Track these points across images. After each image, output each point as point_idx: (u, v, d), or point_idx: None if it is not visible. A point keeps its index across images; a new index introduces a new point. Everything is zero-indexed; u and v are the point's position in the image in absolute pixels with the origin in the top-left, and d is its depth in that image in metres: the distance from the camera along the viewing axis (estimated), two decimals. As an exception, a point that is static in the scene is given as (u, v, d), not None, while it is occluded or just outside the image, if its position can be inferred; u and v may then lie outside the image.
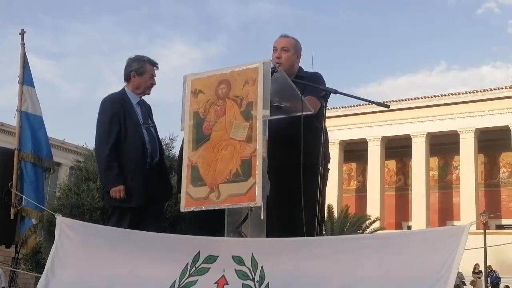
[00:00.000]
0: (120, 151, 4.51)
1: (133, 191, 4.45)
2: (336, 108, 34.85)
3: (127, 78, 4.78)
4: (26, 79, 5.41)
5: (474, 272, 24.95)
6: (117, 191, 4.41)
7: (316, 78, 4.13)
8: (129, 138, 4.54)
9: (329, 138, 4.12)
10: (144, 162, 4.56)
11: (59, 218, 3.94)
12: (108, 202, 4.64)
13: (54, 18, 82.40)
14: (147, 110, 4.80)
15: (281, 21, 78.09)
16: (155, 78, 4.82)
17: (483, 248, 22.73)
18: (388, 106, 4.19)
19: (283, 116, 3.68)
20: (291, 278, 3.08)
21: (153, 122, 4.80)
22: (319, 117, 3.84)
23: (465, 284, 23.93)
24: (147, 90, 4.79)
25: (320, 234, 3.77)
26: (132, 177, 4.48)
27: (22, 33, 5.49)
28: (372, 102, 4.04)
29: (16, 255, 5.65)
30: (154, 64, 4.81)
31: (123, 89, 4.78)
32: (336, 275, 3.01)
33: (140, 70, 4.71)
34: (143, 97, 4.80)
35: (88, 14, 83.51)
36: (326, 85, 4.04)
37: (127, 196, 4.42)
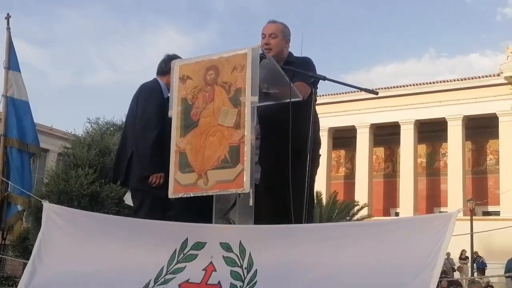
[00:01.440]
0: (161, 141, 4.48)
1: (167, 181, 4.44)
2: (325, 95, 34.82)
3: (163, 72, 4.77)
4: (12, 64, 5.36)
5: (460, 258, 25.19)
6: (158, 177, 4.42)
7: (306, 63, 4.12)
8: (166, 131, 4.51)
9: (319, 124, 4.11)
10: None
11: (46, 205, 3.92)
12: (140, 186, 4.61)
13: (43, 3, 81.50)
14: None
15: (273, 8, 77.80)
16: None
17: (469, 235, 22.96)
18: (377, 93, 4.19)
19: (272, 102, 3.66)
20: (279, 265, 3.08)
21: None
22: (309, 103, 3.83)
23: (455, 270, 24.16)
24: None
25: (310, 220, 3.77)
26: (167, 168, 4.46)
27: (8, 17, 5.43)
28: (361, 89, 4.04)
29: (3, 241, 5.63)
30: None
31: (158, 82, 4.79)
32: (324, 262, 3.02)
33: None
34: None
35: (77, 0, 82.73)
36: (316, 70, 4.03)
37: (164, 184, 4.38)
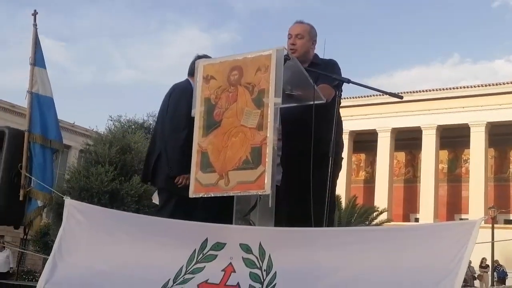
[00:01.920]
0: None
1: None
2: (347, 98, 34.61)
3: (193, 73, 4.76)
4: (37, 60, 5.41)
5: (481, 266, 24.90)
6: (185, 178, 4.38)
7: (331, 66, 4.08)
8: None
9: (341, 126, 4.08)
10: None
11: (67, 201, 3.94)
12: (167, 186, 4.62)
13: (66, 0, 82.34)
14: None
15: (293, 9, 77.70)
16: None
17: (490, 243, 22.67)
18: (401, 97, 4.14)
19: (295, 104, 3.64)
20: (298, 268, 3.06)
21: None
22: (332, 105, 3.80)
23: (475, 279, 23.88)
24: None
25: (331, 224, 3.74)
26: None
27: (35, 14, 5.47)
28: (385, 93, 3.99)
29: (25, 236, 5.68)
30: None
31: (189, 82, 4.78)
32: (343, 267, 2.99)
33: None
34: None
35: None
36: (341, 73, 3.99)
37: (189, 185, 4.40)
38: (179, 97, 4.67)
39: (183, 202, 4.37)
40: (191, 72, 4.79)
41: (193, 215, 4.31)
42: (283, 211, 3.70)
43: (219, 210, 3.93)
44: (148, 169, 4.80)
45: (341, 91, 3.87)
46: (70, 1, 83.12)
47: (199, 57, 4.76)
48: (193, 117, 3.61)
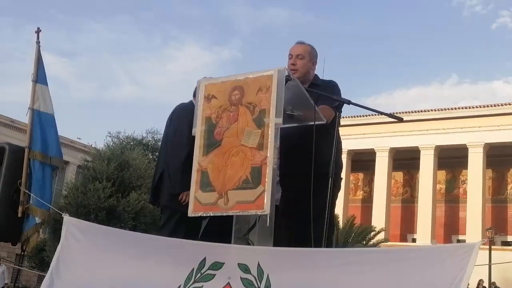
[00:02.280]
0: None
1: None
2: (345, 117, 34.75)
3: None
4: (39, 77, 5.43)
5: (478, 288, 24.78)
6: (187, 195, 4.40)
7: (331, 87, 4.10)
8: None
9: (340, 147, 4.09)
10: None
11: (66, 218, 3.94)
12: (169, 203, 4.64)
13: (68, 16, 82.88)
14: None
15: (294, 26, 78.21)
16: None
17: (487, 265, 22.58)
18: (402, 119, 4.16)
19: (296, 124, 3.66)
20: (296, 288, 3.05)
21: None
22: (332, 126, 3.82)
23: (472, 301, 23.74)
24: None
25: (329, 245, 3.73)
26: None
27: (38, 31, 5.50)
28: (386, 114, 4.01)
29: (22, 252, 5.65)
30: None
31: (192, 103, 4.81)
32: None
33: None
34: None
35: (102, 13, 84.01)
36: (341, 94, 4.01)
37: None
38: (180, 116, 4.72)
39: (185, 219, 4.39)
40: (195, 93, 4.87)
41: (194, 233, 4.32)
42: (282, 231, 3.69)
43: (218, 229, 3.93)
44: (152, 189, 4.83)
45: (341, 111, 3.89)
46: (72, 17, 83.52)
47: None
48: (194, 136, 3.62)
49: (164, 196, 4.67)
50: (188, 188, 4.39)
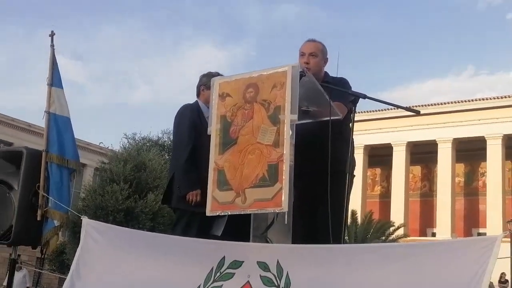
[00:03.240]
0: (197, 158, 4.54)
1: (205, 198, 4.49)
2: (361, 112, 34.56)
3: (198, 93, 4.94)
4: (54, 80, 5.46)
5: (500, 282, 24.51)
6: (194, 195, 4.44)
7: (342, 84, 4.05)
8: (204, 148, 4.58)
9: (354, 143, 4.06)
10: None
11: (85, 220, 3.96)
12: (179, 205, 4.67)
13: (82, 18, 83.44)
14: None
15: (307, 22, 78.04)
16: None
17: (509, 258, 22.35)
18: (419, 112, 4.11)
19: (311, 120, 3.63)
20: (316, 285, 3.04)
21: None
22: (347, 122, 3.79)
23: (495, 295, 23.51)
24: None
25: (343, 241, 3.71)
26: (205, 184, 4.51)
27: (52, 35, 5.53)
28: (402, 108, 3.98)
29: (42, 256, 5.69)
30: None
31: (196, 102, 4.92)
32: (362, 284, 2.96)
33: (209, 84, 4.77)
34: None
35: (115, 15, 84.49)
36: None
37: (201, 201, 4.42)
38: (179, 116, 4.80)
39: (195, 218, 4.40)
40: (198, 92, 4.96)
41: (205, 232, 4.33)
42: (298, 229, 3.67)
43: (236, 227, 3.92)
44: (165, 191, 4.88)
45: (356, 107, 3.84)
46: (86, 19, 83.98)
47: (202, 75, 4.90)
48: (209, 135, 3.61)
49: (174, 197, 4.70)
50: (193, 186, 4.43)
